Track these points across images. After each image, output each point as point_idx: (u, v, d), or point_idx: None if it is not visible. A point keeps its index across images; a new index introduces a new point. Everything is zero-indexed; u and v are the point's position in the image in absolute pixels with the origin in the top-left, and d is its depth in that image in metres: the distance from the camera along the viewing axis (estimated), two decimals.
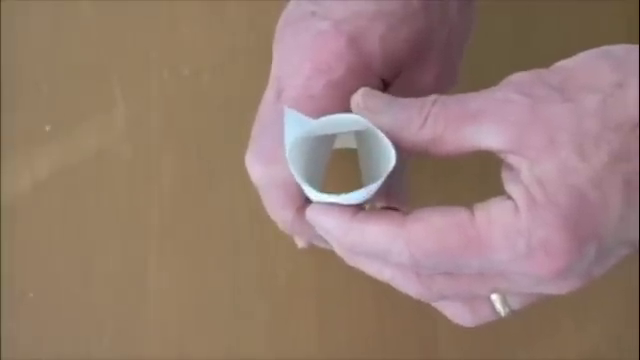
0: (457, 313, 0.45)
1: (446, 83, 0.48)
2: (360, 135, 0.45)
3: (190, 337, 0.56)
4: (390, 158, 0.40)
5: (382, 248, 0.41)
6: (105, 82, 0.60)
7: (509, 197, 0.40)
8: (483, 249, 0.39)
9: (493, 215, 0.39)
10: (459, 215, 0.40)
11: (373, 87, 0.45)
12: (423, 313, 0.56)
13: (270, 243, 0.57)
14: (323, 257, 0.57)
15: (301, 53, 0.45)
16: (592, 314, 0.57)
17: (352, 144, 0.47)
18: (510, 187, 0.40)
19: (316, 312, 0.57)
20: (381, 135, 0.41)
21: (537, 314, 0.56)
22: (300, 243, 0.54)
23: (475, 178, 0.56)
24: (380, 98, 0.42)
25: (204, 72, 0.60)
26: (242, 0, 0.62)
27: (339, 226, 0.42)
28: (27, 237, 0.57)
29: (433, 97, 0.41)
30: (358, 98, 0.42)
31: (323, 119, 0.42)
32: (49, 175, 0.58)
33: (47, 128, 0.59)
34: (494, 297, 0.44)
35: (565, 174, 0.38)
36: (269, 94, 0.47)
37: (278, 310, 0.57)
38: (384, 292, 0.56)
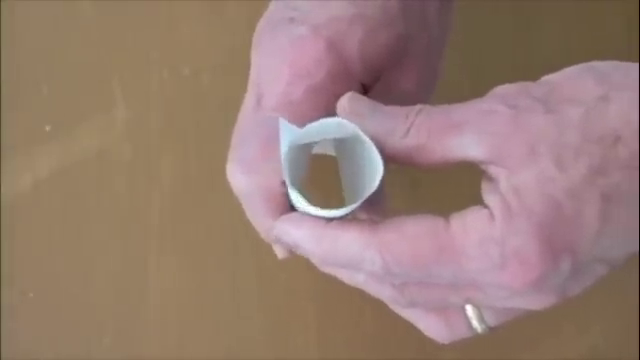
0: (431, 326, 0.45)
1: (426, 87, 0.48)
2: (342, 142, 0.44)
3: (190, 337, 0.56)
4: (378, 168, 0.40)
5: (354, 256, 0.41)
6: (105, 82, 0.60)
7: (486, 206, 0.40)
8: (456, 257, 0.39)
9: (468, 223, 0.39)
10: (433, 222, 0.40)
11: (353, 90, 0.44)
12: None
13: (270, 243, 0.57)
14: None
15: (279, 58, 0.45)
16: (592, 314, 0.57)
17: (330, 150, 0.47)
18: (487, 197, 0.40)
19: (316, 312, 0.57)
20: (369, 143, 0.40)
21: (537, 314, 0.56)
22: (280, 254, 0.53)
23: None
24: (366, 103, 0.42)
25: (204, 72, 0.60)
26: (242, 0, 0.61)
27: (311, 236, 0.42)
28: (27, 237, 0.57)
29: (419, 107, 0.41)
30: (344, 101, 0.42)
31: (311, 126, 0.41)
32: (49, 175, 0.58)
33: (47, 128, 0.59)
34: (470, 312, 0.43)
35: (542, 184, 0.38)
36: (249, 101, 0.47)
37: (278, 310, 0.57)
38: None
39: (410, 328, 0.56)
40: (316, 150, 0.46)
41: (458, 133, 0.40)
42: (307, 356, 0.56)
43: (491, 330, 0.44)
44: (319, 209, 0.41)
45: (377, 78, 0.46)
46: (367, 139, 0.41)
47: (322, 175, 0.50)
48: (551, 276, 0.39)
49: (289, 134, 0.42)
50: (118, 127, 0.59)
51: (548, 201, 0.38)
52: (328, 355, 0.56)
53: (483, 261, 0.39)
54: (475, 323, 0.44)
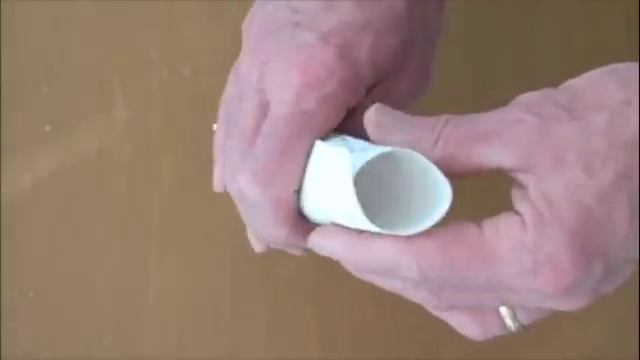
0: (465, 325, 0.45)
1: (420, 88, 0.48)
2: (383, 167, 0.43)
3: (190, 337, 0.56)
4: (444, 193, 0.40)
5: (390, 263, 0.41)
6: (105, 82, 0.60)
7: (517, 213, 0.40)
8: (490, 263, 0.40)
9: (501, 230, 0.40)
10: (467, 230, 0.40)
11: (361, 96, 0.45)
12: (423, 314, 0.56)
13: (273, 250, 0.57)
14: (323, 258, 0.57)
15: (287, 66, 0.45)
16: (592, 314, 0.57)
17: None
18: (518, 204, 0.40)
19: (316, 313, 0.57)
20: (436, 171, 0.41)
21: None
22: (296, 252, 0.52)
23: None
24: (393, 115, 0.42)
25: (204, 72, 0.60)
26: (242, 0, 0.61)
27: (345, 245, 0.42)
28: (27, 237, 0.57)
29: (445, 117, 0.41)
30: (372, 115, 0.42)
31: (384, 148, 0.41)
32: (49, 175, 0.58)
33: (47, 128, 0.59)
34: (504, 311, 0.44)
35: (572, 191, 0.39)
36: (249, 104, 0.46)
37: (278, 310, 0.57)
38: (384, 293, 0.56)
39: (410, 328, 0.56)
40: None
41: (486, 143, 0.40)
42: (307, 356, 0.56)
43: (524, 328, 0.44)
44: (381, 228, 0.41)
45: (380, 81, 0.46)
46: (434, 167, 0.41)
47: None
48: (584, 281, 0.40)
49: (359, 152, 0.42)
50: (118, 127, 0.59)
51: (578, 208, 0.39)
52: (328, 355, 0.56)
53: (516, 267, 0.39)
54: (508, 321, 0.44)
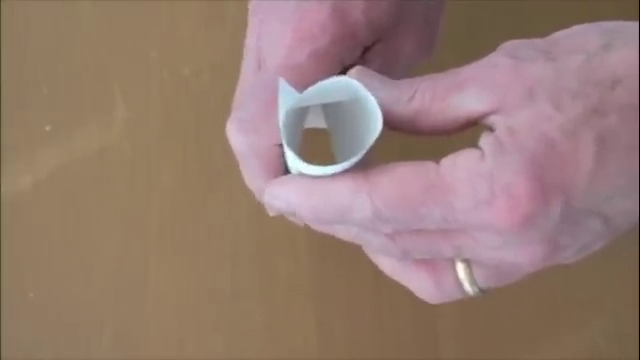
0: (423, 286, 0.43)
1: (426, 50, 0.48)
2: (336, 109, 0.44)
3: (190, 337, 0.56)
4: (377, 123, 0.40)
5: (344, 204, 0.40)
6: (105, 82, 0.60)
7: (479, 148, 0.39)
8: (445, 195, 0.38)
9: (458, 161, 0.39)
10: (424, 165, 0.39)
11: (356, 55, 0.45)
12: (423, 313, 0.56)
13: (270, 243, 0.57)
14: (323, 257, 0.57)
15: (282, 23, 0.45)
16: (592, 314, 0.57)
17: (321, 123, 0.47)
18: (482, 140, 0.39)
19: (315, 312, 0.57)
20: (371, 99, 0.40)
21: (537, 314, 0.56)
22: (271, 213, 0.50)
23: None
24: (374, 76, 0.42)
25: (204, 72, 0.61)
26: (242, 0, 0.62)
27: (300, 191, 0.41)
28: (27, 237, 0.57)
29: (426, 76, 0.41)
30: (353, 74, 0.42)
31: (314, 87, 0.41)
32: (49, 175, 0.58)
33: (47, 128, 0.59)
34: (461, 272, 0.42)
35: (537, 122, 0.38)
36: (248, 66, 0.47)
37: (278, 310, 0.57)
38: (384, 292, 0.56)
39: (410, 328, 0.56)
40: (307, 124, 0.46)
41: (461, 90, 0.39)
42: (307, 356, 0.56)
43: (482, 293, 0.43)
44: (318, 167, 0.41)
45: (378, 40, 0.46)
46: (368, 94, 0.40)
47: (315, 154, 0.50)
48: (540, 217, 0.38)
49: (288, 96, 0.42)
50: (118, 127, 0.59)
51: (542, 138, 0.37)
52: (328, 355, 0.56)
53: (471, 198, 0.38)
54: (466, 285, 0.43)
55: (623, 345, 0.57)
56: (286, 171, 0.45)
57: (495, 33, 0.61)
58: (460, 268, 0.43)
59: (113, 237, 0.58)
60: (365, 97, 0.41)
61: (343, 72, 0.45)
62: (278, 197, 0.42)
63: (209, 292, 0.57)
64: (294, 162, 0.42)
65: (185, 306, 0.57)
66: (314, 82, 0.42)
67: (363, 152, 0.40)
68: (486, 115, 0.39)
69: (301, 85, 0.43)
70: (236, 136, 0.45)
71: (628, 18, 0.63)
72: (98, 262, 0.57)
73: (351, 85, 0.41)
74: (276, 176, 0.45)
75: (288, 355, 0.56)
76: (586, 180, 0.38)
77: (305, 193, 0.41)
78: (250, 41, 0.47)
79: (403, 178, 0.39)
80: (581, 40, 0.40)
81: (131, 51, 0.61)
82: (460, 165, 0.38)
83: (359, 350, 0.56)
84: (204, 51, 0.61)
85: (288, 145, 0.41)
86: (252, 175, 0.46)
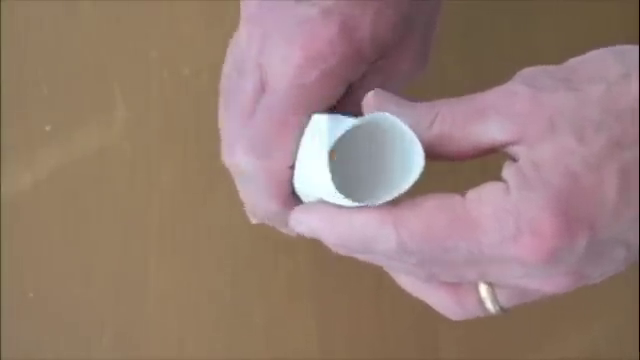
0: (444, 303, 0.44)
1: (420, 66, 0.48)
2: (353, 138, 0.44)
3: (190, 337, 0.56)
4: (418, 160, 0.40)
5: (369, 235, 0.40)
6: (105, 82, 0.60)
7: (503, 181, 0.39)
8: (471, 229, 0.39)
9: (483, 195, 0.39)
10: (449, 198, 0.39)
11: (361, 72, 0.45)
12: (423, 313, 0.56)
13: (270, 243, 0.57)
14: (323, 257, 0.57)
15: (289, 41, 0.44)
16: (592, 314, 0.57)
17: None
18: (506, 171, 0.40)
19: (315, 312, 0.57)
20: (411, 135, 0.40)
21: (537, 314, 0.56)
22: (286, 232, 0.51)
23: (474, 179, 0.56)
24: (391, 98, 0.42)
25: (204, 72, 0.60)
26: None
27: (325, 219, 0.42)
28: (27, 237, 0.57)
29: (444, 100, 0.41)
30: (370, 97, 0.42)
31: (356, 120, 0.41)
32: (49, 175, 0.58)
33: (47, 128, 0.59)
34: (483, 292, 0.43)
35: (561, 155, 0.38)
36: (247, 79, 0.46)
37: (277, 310, 0.57)
38: (384, 292, 0.56)
39: (410, 328, 0.56)
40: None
41: (481, 118, 0.40)
42: (307, 356, 0.56)
43: (504, 311, 0.43)
44: (355, 203, 0.41)
45: (380, 56, 0.46)
46: (409, 130, 0.40)
47: None
48: (566, 251, 0.38)
49: (335, 125, 0.41)
50: (118, 127, 0.59)
51: (566, 173, 0.38)
52: (328, 355, 0.56)
53: (497, 233, 0.38)
54: (488, 303, 0.43)
55: (623, 345, 0.57)
56: (293, 194, 0.45)
57: (494, 33, 0.61)
58: (483, 289, 0.43)
59: (113, 237, 0.58)
60: (411, 140, 0.40)
61: (346, 90, 0.45)
62: (303, 223, 0.43)
63: (209, 292, 0.57)
64: (332, 195, 0.41)
65: (185, 306, 0.57)
66: (322, 103, 0.43)
67: (402, 191, 0.40)
68: (508, 144, 0.40)
69: (310, 106, 0.43)
70: (248, 159, 0.45)
71: (628, 18, 0.63)
72: (98, 262, 0.57)
73: (390, 120, 0.41)
74: (284, 197, 0.45)
75: (288, 355, 0.56)
76: (610, 213, 0.38)
77: (330, 222, 0.42)
78: (249, 52, 0.46)
79: (429, 212, 0.39)
80: (600, 68, 0.40)
81: (131, 51, 0.61)
82: (486, 200, 0.39)
83: (359, 350, 0.56)
84: (204, 51, 0.61)
85: (332, 176, 0.40)
86: (258, 197, 0.46)
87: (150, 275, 0.57)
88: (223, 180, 0.58)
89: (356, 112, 0.46)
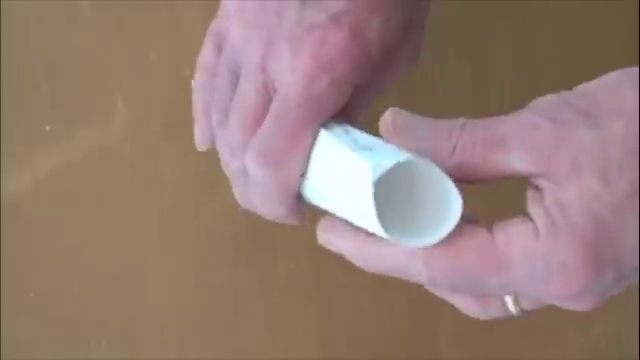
0: (468, 307, 0.45)
1: (415, 61, 0.48)
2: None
3: (190, 337, 0.56)
4: (457, 207, 0.40)
5: (400, 266, 0.41)
6: (105, 82, 0.60)
7: (529, 218, 0.40)
8: (501, 270, 0.40)
9: (512, 237, 0.40)
10: (478, 235, 0.40)
11: (368, 75, 0.45)
12: (423, 313, 0.56)
13: (270, 243, 0.57)
14: (323, 257, 0.57)
15: (297, 47, 0.44)
16: (592, 314, 0.57)
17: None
18: (532, 209, 0.40)
19: (316, 312, 0.57)
20: (449, 182, 0.40)
21: (537, 314, 0.56)
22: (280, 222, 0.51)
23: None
24: (408, 119, 0.42)
25: None
26: None
27: (354, 245, 0.42)
28: (27, 237, 0.57)
29: (461, 121, 0.41)
30: (387, 118, 0.42)
31: (400, 156, 0.40)
32: (49, 175, 0.58)
33: (47, 128, 0.59)
34: (507, 298, 0.44)
35: (587, 199, 0.39)
36: (250, 86, 0.46)
37: (278, 310, 0.57)
38: (384, 292, 0.56)
39: (410, 328, 0.56)
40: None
41: (503, 150, 0.40)
42: (307, 355, 0.56)
43: (525, 313, 0.44)
44: (395, 238, 0.41)
45: (386, 58, 0.46)
46: (446, 176, 0.40)
47: None
48: (595, 287, 0.40)
49: (388, 154, 0.41)
50: (118, 127, 0.59)
51: (593, 218, 0.39)
52: (328, 355, 0.56)
53: (528, 274, 0.40)
54: (511, 307, 0.44)
55: (623, 345, 0.57)
56: (297, 196, 0.45)
57: (494, 33, 0.61)
58: (509, 299, 0.44)
59: (113, 237, 0.58)
60: (448, 189, 0.40)
61: (354, 92, 0.45)
62: (332, 245, 0.43)
63: (209, 292, 0.57)
64: (370, 225, 0.41)
65: (185, 306, 0.57)
66: (332, 109, 0.43)
67: (442, 236, 0.40)
68: (531, 176, 0.40)
69: (320, 114, 0.43)
70: (261, 169, 0.45)
71: (628, 18, 0.63)
72: (98, 262, 0.57)
73: (432, 168, 0.40)
74: (292, 204, 0.45)
75: (288, 355, 0.56)
76: (631, 251, 0.39)
77: (361, 250, 0.42)
78: (250, 56, 0.46)
79: (457, 249, 0.40)
80: (618, 97, 0.40)
81: (131, 51, 0.61)
82: (514, 242, 0.40)
83: (359, 350, 0.56)
84: None
85: (375, 210, 0.40)
86: (264, 202, 0.46)
87: (150, 275, 0.57)
88: (223, 180, 0.58)
89: (356, 112, 0.46)
